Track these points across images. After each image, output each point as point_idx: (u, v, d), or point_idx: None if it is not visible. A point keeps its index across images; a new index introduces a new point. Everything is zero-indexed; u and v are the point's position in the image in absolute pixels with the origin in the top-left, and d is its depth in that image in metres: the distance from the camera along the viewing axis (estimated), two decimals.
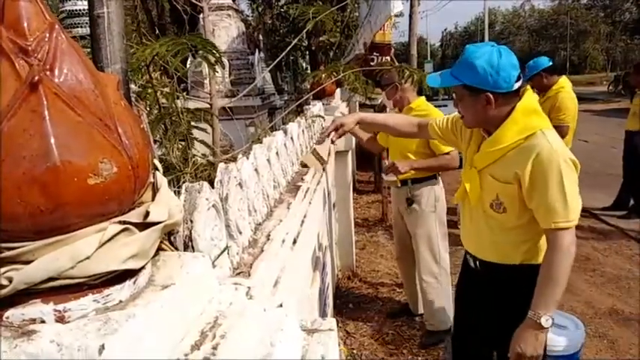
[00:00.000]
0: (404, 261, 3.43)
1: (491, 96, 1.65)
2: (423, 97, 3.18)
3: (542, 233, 1.70)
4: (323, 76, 2.77)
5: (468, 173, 1.81)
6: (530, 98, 1.73)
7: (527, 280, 1.70)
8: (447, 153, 2.94)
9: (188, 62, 5.22)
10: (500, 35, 45.95)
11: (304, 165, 2.19)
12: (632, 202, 5.54)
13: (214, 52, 1.58)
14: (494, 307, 1.84)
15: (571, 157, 1.63)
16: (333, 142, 2.27)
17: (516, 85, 1.67)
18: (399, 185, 3.18)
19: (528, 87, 1.80)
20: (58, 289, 0.53)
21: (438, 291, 3.18)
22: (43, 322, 0.52)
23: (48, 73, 0.51)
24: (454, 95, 1.75)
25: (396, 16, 5.23)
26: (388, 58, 5.03)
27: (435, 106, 3.30)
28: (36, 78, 0.49)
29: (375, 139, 3.39)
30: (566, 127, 4.11)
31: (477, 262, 1.88)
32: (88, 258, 0.52)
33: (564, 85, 4.27)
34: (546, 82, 4.25)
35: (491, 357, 1.99)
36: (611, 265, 4.24)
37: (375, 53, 4.99)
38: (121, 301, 0.56)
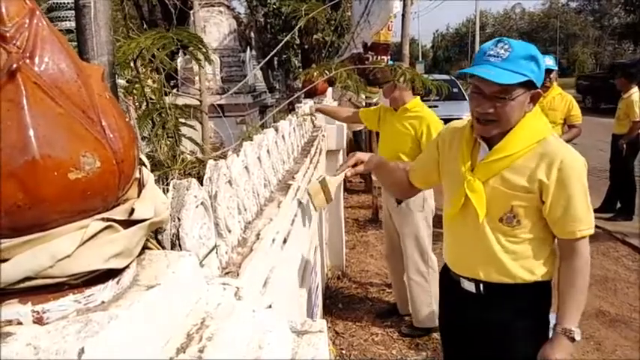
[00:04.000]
0: (393, 260, 3.43)
1: (540, 92, 1.56)
2: (418, 98, 3.18)
3: (551, 245, 1.62)
4: (315, 74, 2.75)
5: (472, 185, 1.58)
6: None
7: (540, 299, 1.64)
8: None
9: (179, 59, 5.17)
10: (491, 37, 46.22)
11: (309, 194, 1.94)
12: (619, 204, 5.60)
13: (201, 46, 1.55)
14: (503, 332, 1.66)
15: (584, 160, 1.57)
16: (347, 177, 2.00)
17: None
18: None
19: None
20: (37, 289, 0.50)
21: (427, 289, 3.20)
22: (20, 323, 0.49)
23: (27, 61, 0.48)
24: (489, 96, 1.50)
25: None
26: (385, 58, 5.02)
27: (428, 107, 3.30)
28: (14, 66, 0.46)
29: (356, 115, 3.52)
30: (579, 126, 4.25)
31: (481, 286, 1.66)
32: (68, 256, 0.50)
33: (557, 87, 4.37)
34: (547, 84, 4.31)
35: None
36: (598, 266, 4.27)
37: (370, 52, 4.97)
38: (103, 302, 0.54)
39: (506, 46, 1.49)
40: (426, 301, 3.21)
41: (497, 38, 1.57)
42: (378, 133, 3.66)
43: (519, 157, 1.54)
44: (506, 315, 1.65)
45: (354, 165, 1.92)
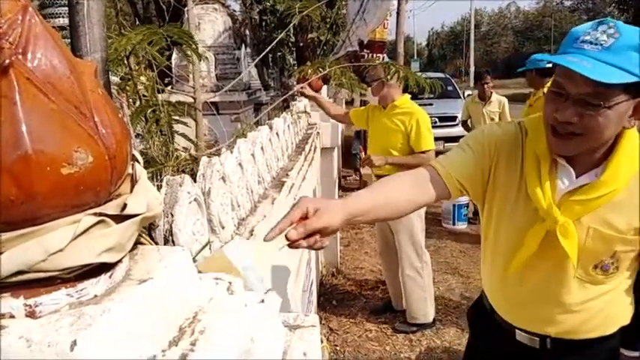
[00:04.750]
0: (387, 257, 3.46)
1: None
2: (408, 96, 3.21)
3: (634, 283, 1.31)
4: (309, 71, 2.75)
5: (565, 230, 1.17)
6: None
7: (615, 348, 1.35)
8: (424, 151, 3.03)
9: (174, 56, 5.16)
10: (486, 35, 46.34)
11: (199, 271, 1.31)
12: None
13: (192, 43, 1.55)
14: None
15: None
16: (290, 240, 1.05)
17: None
18: (375, 179, 3.20)
19: None
20: (29, 283, 0.50)
21: (421, 285, 3.25)
22: (12, 317, 0.50)
23: (20, 57, 0.48)
24: (575, 99, 1.07)
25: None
26: (380, 55, 5.03)
27: (420, 105, 3.32)
28: (7, 62, 0.46)
29: (347, 115, 3.52)
30: None
31: (547, 342, 1.33)
32: (61, 250, 0.50)
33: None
34: (538, 83, 4.31)
35: None
36: None
37: (366, 50, 4.98)
38: (95, 296, 0.54)
39: (612, 30, 1.05)
40: (420, 296, 3.25)
41: (598, 20, 1.10)
42: None
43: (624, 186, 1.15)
44: None
45: (304, 218, 1.02)
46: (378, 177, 3.11)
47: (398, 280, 3.39)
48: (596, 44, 1.05)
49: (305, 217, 1.01)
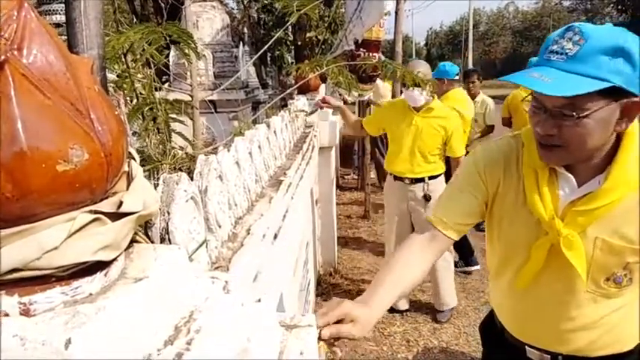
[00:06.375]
0: None
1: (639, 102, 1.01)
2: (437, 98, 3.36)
3: None
4: (307, 69, 2.75)
5: (570, 242, 1.12)
6: None
7: None
8: (457, 158, 3.27)
9: (171, 54, 5.14)
10: (484, 35, 46.40)
11: None
12: None
13: (190, 42, 1.54)
14: None
15: None
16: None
17: None
18: (407, 182, 3.29)
19: None
20: (24, 281, 0.50)
21: (450, 272, 3.51)
22: (6, 315, 0.49)
23: (15, 52, 0.48)
24: (552, 111, 1.03)
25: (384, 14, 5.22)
26: (376, 55, 5.02)
27: None
28: (2, 57, 0.46)
29: (357, 125, 3.55)
30: None
31: (559, 359, 1.29)
32: (55, 248, 0.50)
33: None
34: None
35: None
36: None
37: (362, 49, 4.98)
38: (91, 294, 0.54)
39: (577, 37, 0.99)
40: (450, 283, 3.50)
41: (567, 25, 1.03)
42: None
43: (632, 194, 1.08)
44: None
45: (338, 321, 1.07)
46: (418, 180, 3.25)
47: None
48: (562, 54, 1.01)
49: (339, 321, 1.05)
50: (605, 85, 0.96)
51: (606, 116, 1.00)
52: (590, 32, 0.98)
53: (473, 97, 5.15)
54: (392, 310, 3.52)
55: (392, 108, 3.39)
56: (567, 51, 0.99)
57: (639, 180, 1.06)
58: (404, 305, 3.55)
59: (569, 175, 1.12)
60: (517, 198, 1.21)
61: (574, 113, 0.99)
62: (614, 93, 0.98)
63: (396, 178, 3.35)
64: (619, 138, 1.09)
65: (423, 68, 3.19)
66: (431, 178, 3.26)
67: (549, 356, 1.29)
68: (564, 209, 1.13)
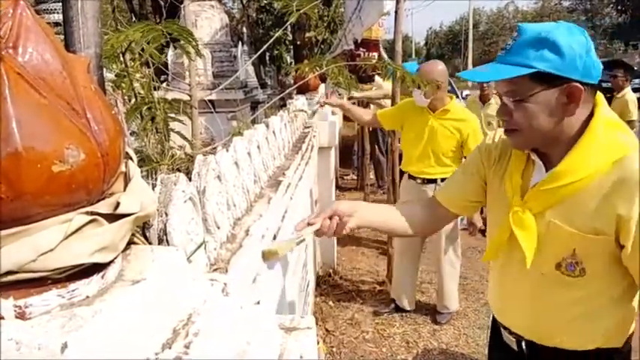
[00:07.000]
0: (407, 257, 3.48)
1: (581, 87, 1.08)
2: (455, 100, 3.27)
3: (629, 302, 1.23)
4: (306, 69, 2.74)
5: (520, 219, 1.20)
6: (605, 103, 1.19)
7: None
8: None
9: (169, 53, 5.13)
10: (484, 35, 46.45)
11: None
12: None
13: (191, 40, 1.53)
14: None
15: None
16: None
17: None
18: (419, 182, 3.27)
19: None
20: (19, 284, 0.49)
21: (455, 278, 3.49)
22: (2, 318, 0.48)
23: (10, 51, 0.47)
24: (504, 99, 1.17)
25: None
26: (375, 54, 5.02)
27: None
28: None
29: (375, 117, 3.51)
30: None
31: (522, 344, 1.33)
32: (51, 250, 0.49)
33: None
34: None
35: None
36: None
37: (362, 49, 4.97)
38: (87, 297, 0.53)
39: (515, 34, 1.15)
40: (454, 288, 3.49)
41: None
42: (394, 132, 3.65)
43: (588, 182, 1.12)
44: None
45: (330, 217, 1.30)
46: (430, 181, 3.21)
47: (414, 280, 3.53)
48: (503, 49, 1.17)
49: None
50: (530, 70, 1.09)
51: (546, 100, 1.11)
52: (525, 29, 1.14)
53: (487, 100, 5.12)
54: (396, 309, 3.52)
55: (411, 107, 3.35)
56: (507, 46, 1.16)
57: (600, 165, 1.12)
58: (409, 306, 3.54)
59: (539, 160, 1.22)
60: (500, 184, 1.32)
61: (516, 97, 1.14)
62: (547, 79, 1.10)
63: (410, 177, 3.35)
64: (585, 125, 1.16)
65: (439, 67, 3.16)
66: (443, 180, 3.22)
67: (515, 340, 1.35)
68: (529, 192, 1.22)
